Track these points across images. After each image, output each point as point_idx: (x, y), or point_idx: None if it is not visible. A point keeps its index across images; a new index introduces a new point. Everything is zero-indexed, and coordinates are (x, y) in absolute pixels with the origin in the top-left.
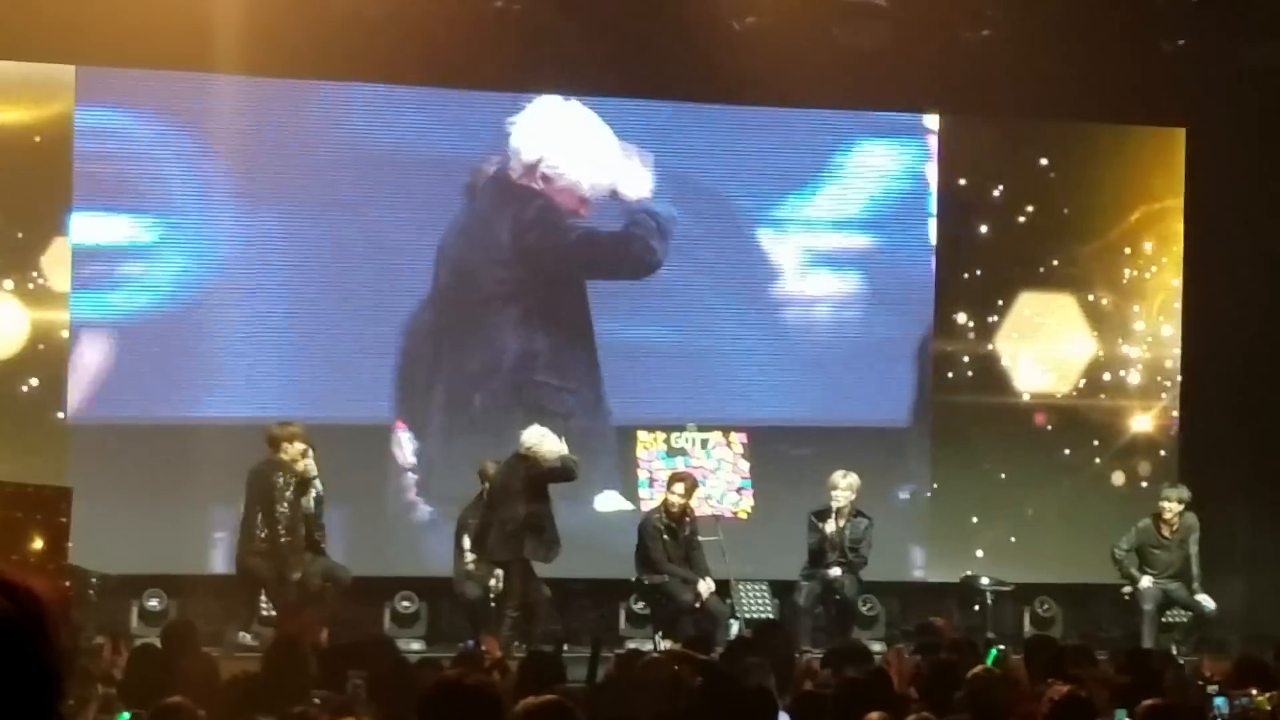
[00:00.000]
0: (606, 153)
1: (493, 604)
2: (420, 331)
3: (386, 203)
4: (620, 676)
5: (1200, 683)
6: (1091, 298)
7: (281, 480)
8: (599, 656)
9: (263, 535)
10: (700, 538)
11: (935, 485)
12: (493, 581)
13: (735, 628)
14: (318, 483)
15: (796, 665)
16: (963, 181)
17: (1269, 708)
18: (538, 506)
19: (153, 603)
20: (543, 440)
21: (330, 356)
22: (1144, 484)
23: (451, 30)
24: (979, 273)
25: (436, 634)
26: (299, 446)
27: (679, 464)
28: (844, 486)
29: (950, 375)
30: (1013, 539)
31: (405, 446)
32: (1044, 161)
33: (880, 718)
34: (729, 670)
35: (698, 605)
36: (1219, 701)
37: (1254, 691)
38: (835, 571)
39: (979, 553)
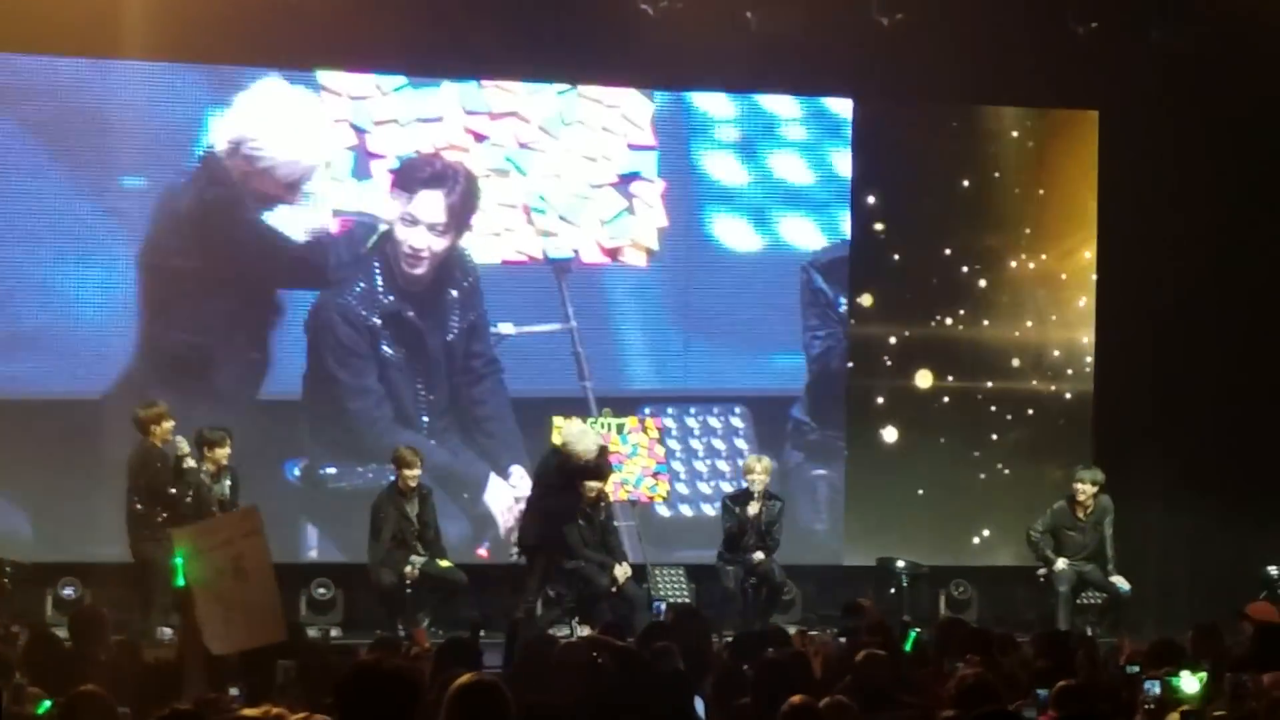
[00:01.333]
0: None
1: (408, 590)
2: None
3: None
4: (532, 661)
5: (1122, 664)
6: (1005, 280)
7: (159, 464)
8: (515, 641)
9: (160, 520)
10: (616, 523)
11: (851, 469)
12: (408, 569)
13: (662, 611)
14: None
15: (713, 650)
16: (877, 166)
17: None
18: (571, 498)
19: (67, 591)
20: (582, 436)
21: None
22: (1059, 466)
23: (352, 15)
24: (895, 257)
25: (353, 621)
26: (168, 425)
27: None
28: (760, 470)
29: (866, 359)
30: (929, 521)
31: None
32: (957, 145)
33: (801, 700)
34: (644, 655)
35: (614, 590)
36: (1149, 685)
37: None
38: (759, 555)
39: (895, 536)
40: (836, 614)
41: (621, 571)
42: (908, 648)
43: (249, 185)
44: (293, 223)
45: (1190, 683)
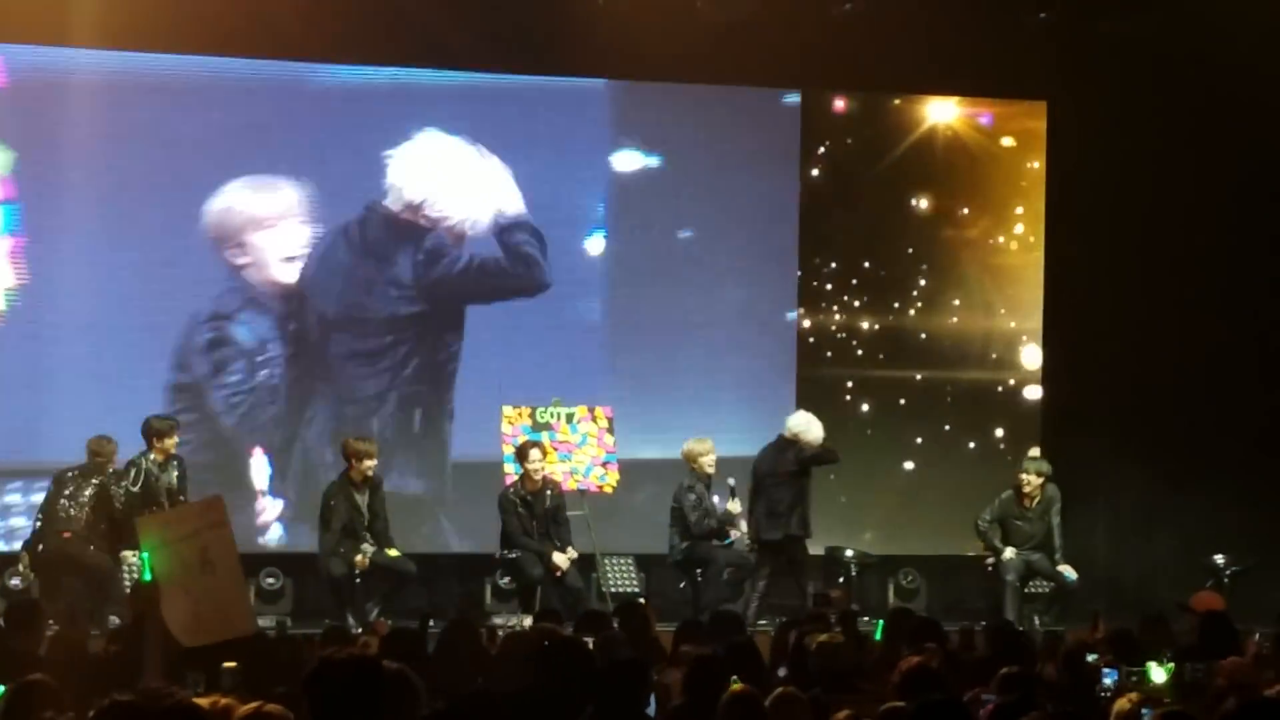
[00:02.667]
0: (481, 182)
1: (357, 580)
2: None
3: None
4: (449, 648)
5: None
6: (955, 269)
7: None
8: (426, 629)
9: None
10: (576, 513)
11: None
12: (358, 558)
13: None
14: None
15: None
16: (828, 156)
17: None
18: (803, 486)
19: (14, 581)
20: (809, 426)
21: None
22: (1008, 456)
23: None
24: (844, 246)
25: (302, 610)
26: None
27: (544, 439)
28: (711, 450)
29: (815, 349)
30: (877, 511)
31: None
32: (907, 135)
33: (742, 689)
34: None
35: (559, 577)
36: (1108, 674)
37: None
38: (736, 534)
39: (845, 525)
40: (787, 603)
41: (563, 559)
42: (877, 636)
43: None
44: None
45: (1158, 673)
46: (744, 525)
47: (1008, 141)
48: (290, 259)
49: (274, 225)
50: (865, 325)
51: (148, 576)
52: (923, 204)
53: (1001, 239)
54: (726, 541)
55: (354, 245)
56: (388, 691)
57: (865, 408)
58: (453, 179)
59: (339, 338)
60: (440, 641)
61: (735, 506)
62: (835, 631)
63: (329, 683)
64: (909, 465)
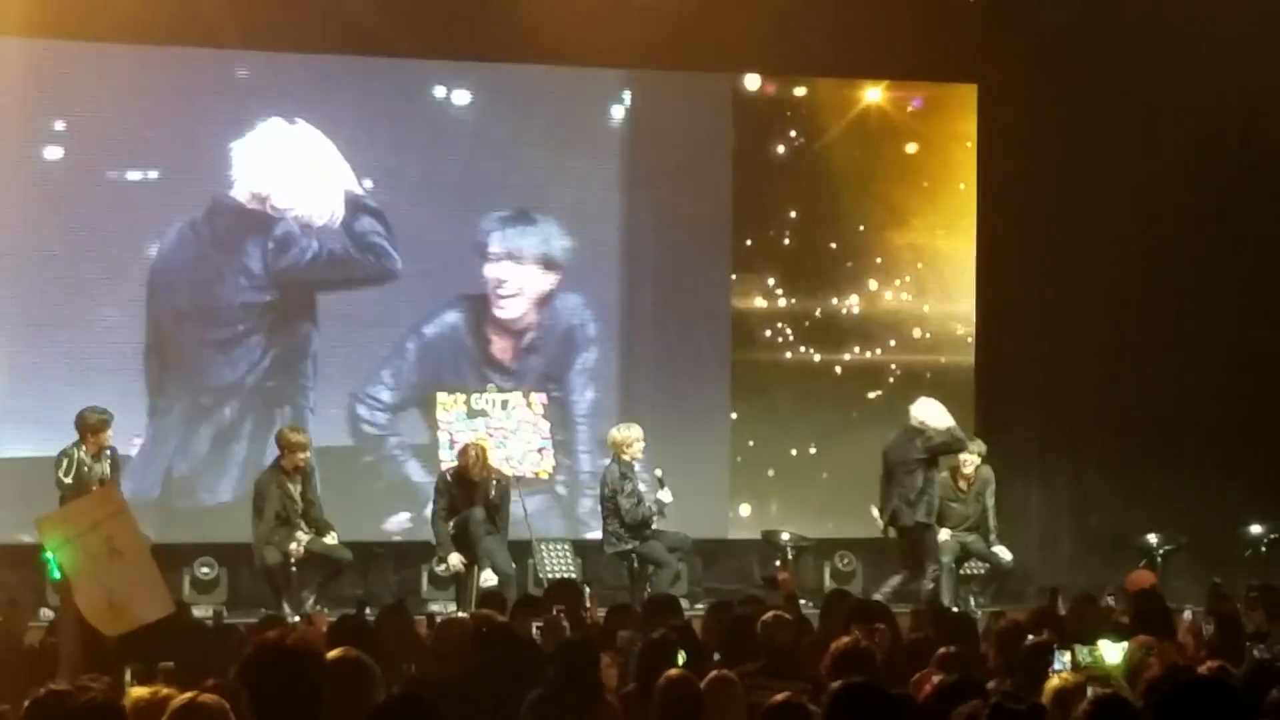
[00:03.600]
0: (332, 173)
1: (293, 568)
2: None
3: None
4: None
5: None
6: (887, 254)
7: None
8: (363, 617)
9: None
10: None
11: (736, 442)
12: (293, 546)
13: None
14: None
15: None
16: (761, 141)
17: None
18: (929, 474)
19: None
20: (934, 414)
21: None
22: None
23: None
24: (772, 233)
25: (237, 600)
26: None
27: (479, 425)
28: (640, 438)
29: (749, 334)
30: (812, 494)
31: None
32: (840, 119)
33: (679, 673)
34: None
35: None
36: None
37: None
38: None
39: (780, 508)
40: (722, 587)
41: (456, 560)
42: None
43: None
44: None
45: (1113, 652)
46: (667, 497)
47: (939, 124)
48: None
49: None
50: (798, 308)
51: (55, 576)
52: (855, 188)
53: (933, 221)
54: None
55: (202, 237)
56: (341, 678)
57: (800, 390)
58: (298, 168)
59: (192, 328)
60: (374, 628)
61: (666, 496)
62: (779, 612)
63: (267, 671)
64: (844, 448)
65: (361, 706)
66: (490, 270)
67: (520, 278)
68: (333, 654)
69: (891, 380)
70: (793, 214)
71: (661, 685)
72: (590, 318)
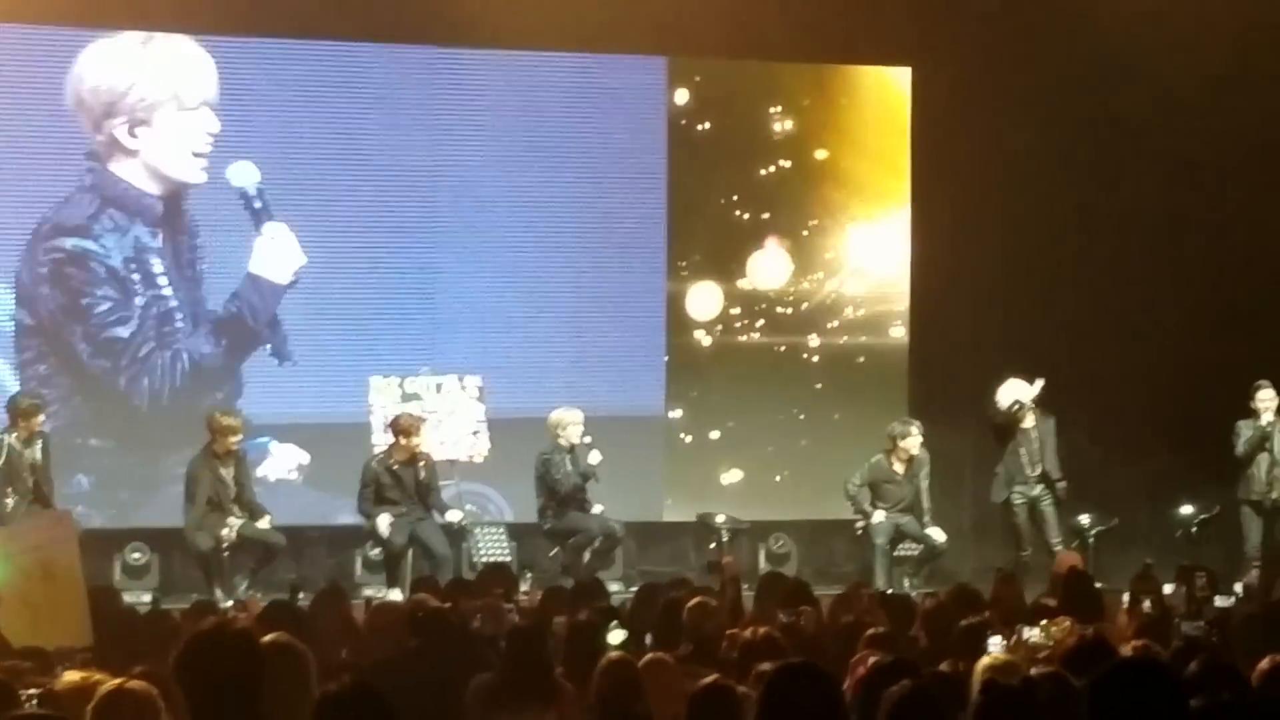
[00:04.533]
0: None
1: (225, 554)
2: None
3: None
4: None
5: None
6: (823, 235)
7: None
8: (295, 601)
9: None
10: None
11: (670, 425)
12: (224, 531)
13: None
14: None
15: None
16: (696, 125)
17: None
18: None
19: None
20: (1002, 391)
21: None
22: (876, 419)
23: None
24: (706, 217)
25: (169, 585)
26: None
27: (413, 409)
28: (580, 420)
29: (685, 317)
30: (747, 476)
31: None
32: (774, 103)
33: (620, 656)
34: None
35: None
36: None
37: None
38: (599, 506)
39: (714, 491)
40: (657, 570)
41: (383, 522)
42: None
43: None
44: None
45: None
46: (596, 458)
47: (873, 107)
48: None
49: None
50: (734, 291)
51: None
52: (790, 170)
53: (868, 203)
54: (594, 511)
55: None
56: (272, 664)
57: (734, 374)
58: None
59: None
60: (308, 612)
61: (595, 457)
62: (704, 598)
63: (202, 658)
64: (778, 430)
65: (294, 692)
66: None
67: None
68: (265, 639)
69: (827, 363)
70: (727, 198)
71: (602, 667)
72: (521, 299)
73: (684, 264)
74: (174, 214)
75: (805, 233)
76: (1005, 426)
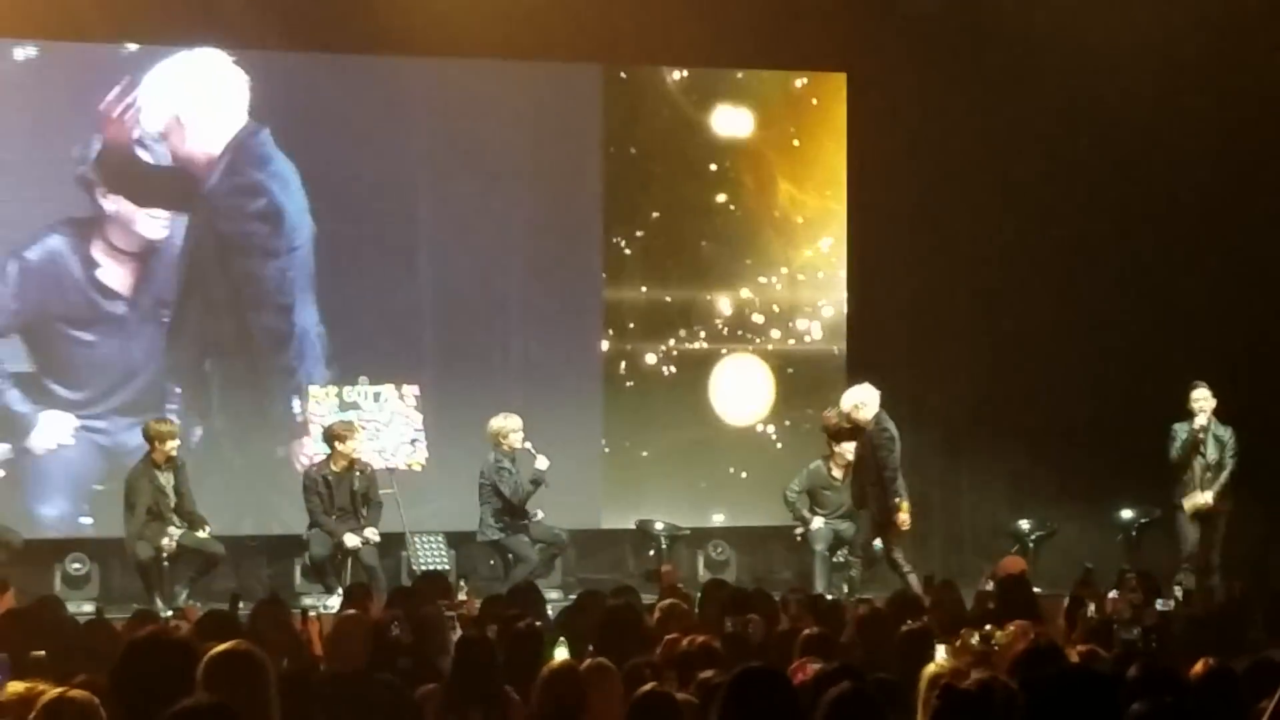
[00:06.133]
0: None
1: (165, 563)
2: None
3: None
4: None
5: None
6: (759, 240)
7: None
8: (236, 610)
9: None
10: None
11: (608, 432)
12: (165, 540)
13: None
14: None
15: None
16: (628, 130)
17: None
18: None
19: None
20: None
21: None
22: (814, 425)
23: None
24: (642, 224)
25: (109, 595)
26: None
27: (351, 418)
28: (519, 427)
29: (621, 325)
30: (686, 483)
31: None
32: (711, 109)
33: (561, 664)
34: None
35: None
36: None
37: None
38: (540, 513)
39: (652, 498)
40: (595, 577)
41: (353, 539)
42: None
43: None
44: None
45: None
46: (544, 464)
47: (808, 113)
48: None
49: None
50: (669, 297)
51: None
52: (725, 176)
53: (804, 209)
54: (536, 518)
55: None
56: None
57: (670, 379)
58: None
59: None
60: (250, 621)
61: (542, 463)
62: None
63: (139, 665)
64: (717, 436)
65: (253, 701)
66: None
67: None
68: (221, 648)
69: (766, 366)
70: (663, 205)
71: (545, 676)
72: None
73: (619, 272)
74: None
75: (740, 239)
76: (845, 430)
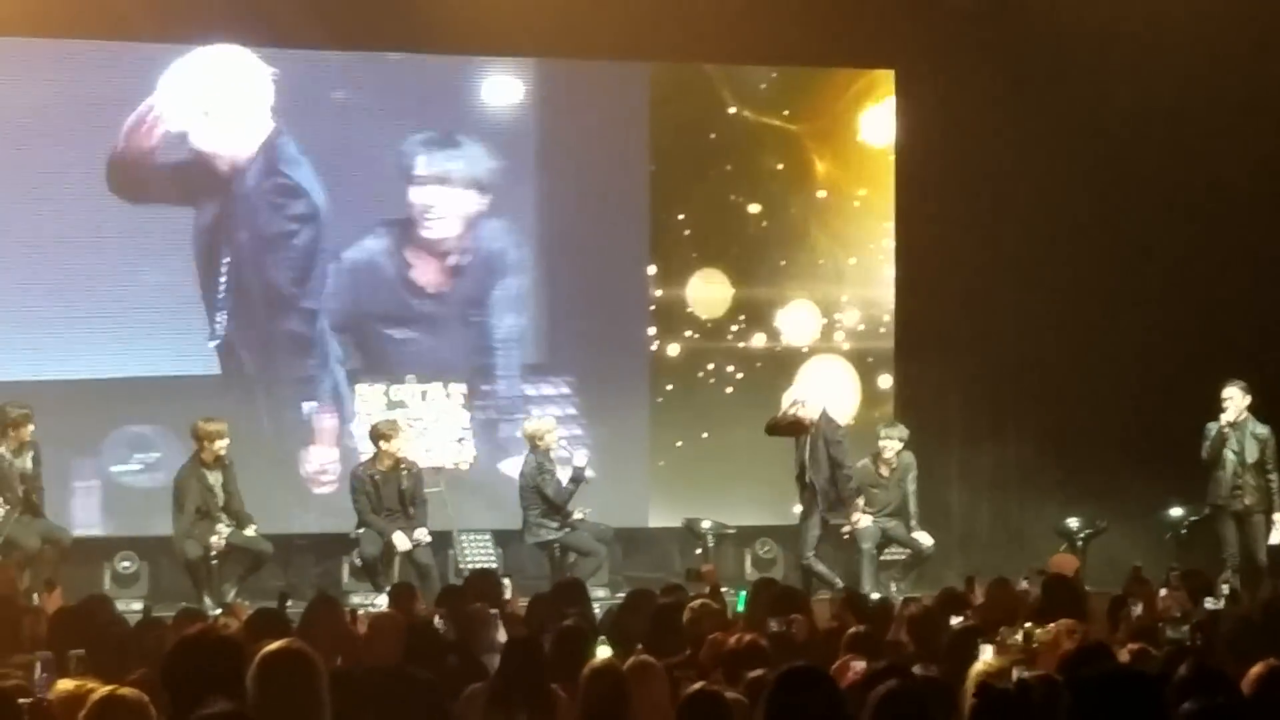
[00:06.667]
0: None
1: (213, 561)
2: None
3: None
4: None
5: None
6: (807, 239)
7: None
8: (284, 608)
9: None
10: (432, 489)
11: (655, 430)
12: (214, 539)
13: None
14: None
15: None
16: (676, 128)
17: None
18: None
19: None
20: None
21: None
22: (863, 423)
23: None
24: (691, 219)
25: (158, 593)
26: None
27: (398, 416)
28: (554, 428)
29: (667, 321)
30: (733, 481)
31: None
32: (749, 107)
33: (604, 662)
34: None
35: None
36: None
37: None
38: (580, 514)
39: (701, 496)
40: (643, 575)
41: (402, 539)
42: (740, 608)
43: None
44: None
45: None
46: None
47: (857, 110)
48: None
49: None
50: (717, 293)
51: None
52: (773, 173)
53: (853, 206)
54: (581, 515)
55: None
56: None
57: (720, 378)
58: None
59: None
60: (304, 619)
61: (581, 459)
62: (706, 600)
63: (188, 662)
64: (765, 434)
65: (306, 700)
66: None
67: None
68: (273, 647)
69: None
70: (710, 202)
71: (588, 674)
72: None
73: (668, 269)
74: None
75: (790, 235)
76: (790, 424)
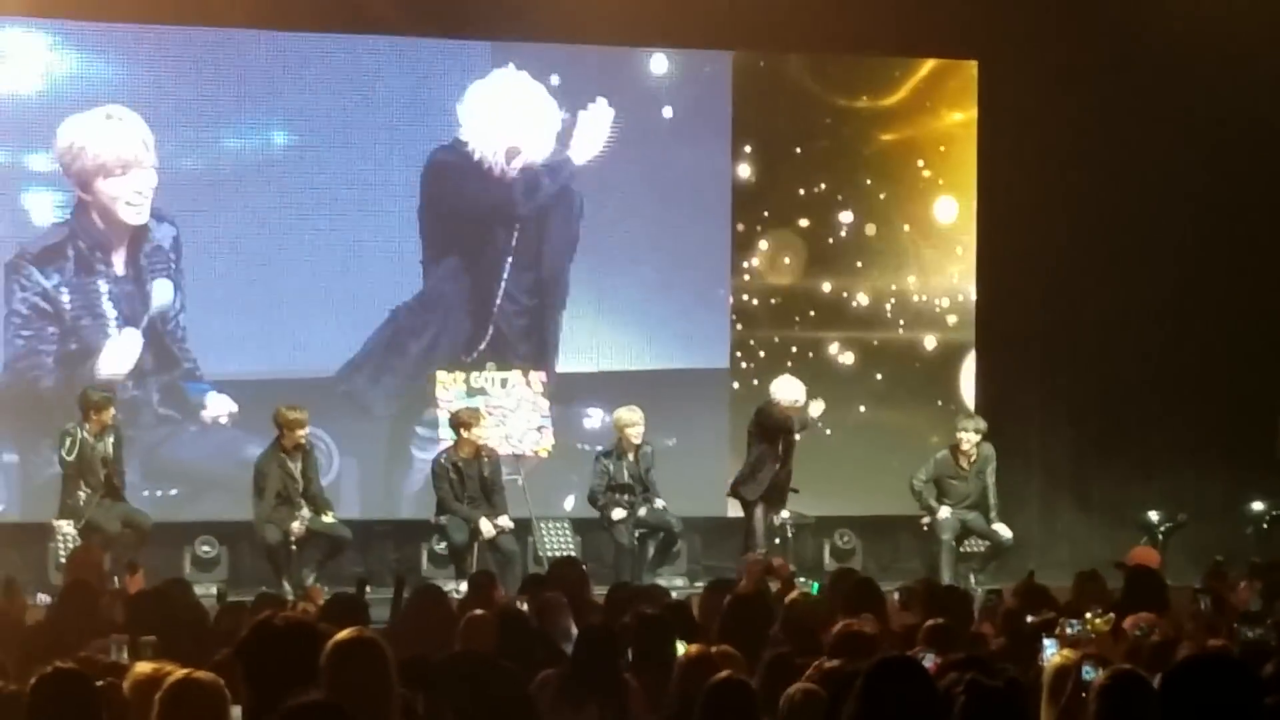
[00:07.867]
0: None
1: (293, 547)
2: None
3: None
4: (415, 615)
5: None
6: (888, 232)
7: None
8: (402, 595)
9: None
10: (512, 477)
11: (736, 420)
12: (294, 524)
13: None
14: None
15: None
16: (759, 120)
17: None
18: (762, 450)
19: None
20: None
21: None
22: (942, 415)
23: None
24: (773, 211)
25: (237, 578)
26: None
27: (478, 404)
28: (639, 421)
29: (750, 315)
30: (813, 471)
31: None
32: (839, 97)
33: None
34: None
35: (491, 542)
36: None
37: (1087, 615)
38: (619, 513)
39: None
40: (721, 565)
41: (488, 526)
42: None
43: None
44: None
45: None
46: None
47: (939, 101)
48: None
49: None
50: (797, 286)
51: None
52: (854, 165)
53: (934, 198)
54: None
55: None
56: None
57: (800, 368)
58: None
59: None
60: (408, 608)
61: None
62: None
63: (263, 647)
64: (844, 425)
65: (373, 686)
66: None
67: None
68: (343, 635)
69: (894, 358)
70: (790, 195)
71: (682, 664)
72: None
73: (748, 261)
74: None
75: (873, 228)
76: (779, 424)
